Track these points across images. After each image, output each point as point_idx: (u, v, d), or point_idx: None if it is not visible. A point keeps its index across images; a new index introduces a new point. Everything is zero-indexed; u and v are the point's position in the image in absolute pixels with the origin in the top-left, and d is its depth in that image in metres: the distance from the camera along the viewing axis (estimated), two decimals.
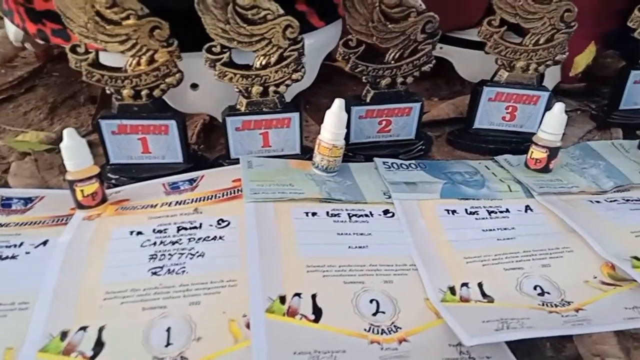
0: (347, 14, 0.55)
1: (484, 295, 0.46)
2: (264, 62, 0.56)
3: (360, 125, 0.65)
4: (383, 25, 0.55)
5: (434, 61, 0.61)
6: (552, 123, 0.61)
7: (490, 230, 0.54)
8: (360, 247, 0.50)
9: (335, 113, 0.57)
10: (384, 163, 0.64)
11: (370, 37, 0.56)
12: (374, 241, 0.51)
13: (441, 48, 0.80)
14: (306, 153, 0.64)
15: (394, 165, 0.64)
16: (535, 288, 0.47)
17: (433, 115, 0.76)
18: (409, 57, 0.59)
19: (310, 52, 0.65)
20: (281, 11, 0.53)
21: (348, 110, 0.63)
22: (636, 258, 0.49)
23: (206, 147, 0.70)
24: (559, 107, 0.61)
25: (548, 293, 0.46)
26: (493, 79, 0.68)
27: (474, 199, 0.59)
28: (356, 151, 0.67)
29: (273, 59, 0.56)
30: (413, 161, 0.65)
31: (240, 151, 0.62)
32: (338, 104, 0.57)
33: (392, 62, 0.59)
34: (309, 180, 0.59)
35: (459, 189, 0.60)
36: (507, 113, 0.69)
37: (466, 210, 0.57)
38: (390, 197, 0.57)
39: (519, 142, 0.69)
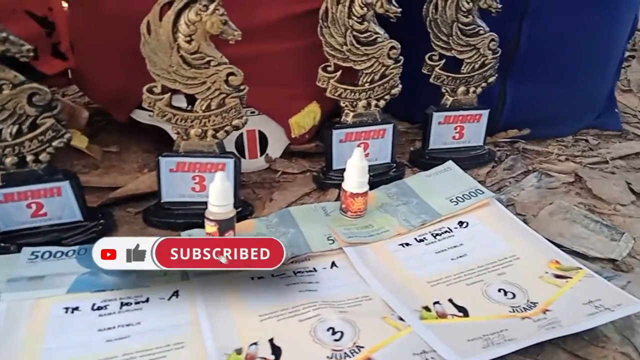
0: None
1: None
2: None
3: (5, 211, 0.56)
4: None
5: (67, 135, 0.54)
6: (217, 194, 0.56)
7: (110, 328, 0.46)
8: None
9: None
10: (32, 253, 0.55)
11: None
12: None
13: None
14: None
15: (46, 254, 0.55)
16: None
17: (130, 189, 0.68)
18: (30, 133, 0.52)
19: None
20: None
21: None
22: (238, 352, 0.43)
23: None
24: (219, 176, 0.56)
25: None
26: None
27: (111, 290, 0.51)
28: (8, 241, 0.57)
29: None
30: (74, 247, 0.57)
31: None
32: None
33: (10, 139, 0.52)
34: None
35: (99, 279, 0.52)
36: (195, 184, 0.64)
37: (92, 306, 0.49)
38: None
39: None
